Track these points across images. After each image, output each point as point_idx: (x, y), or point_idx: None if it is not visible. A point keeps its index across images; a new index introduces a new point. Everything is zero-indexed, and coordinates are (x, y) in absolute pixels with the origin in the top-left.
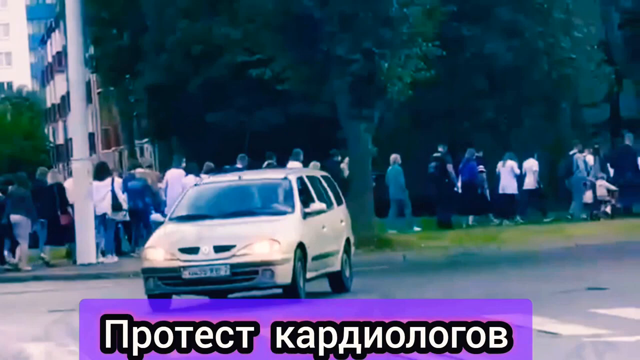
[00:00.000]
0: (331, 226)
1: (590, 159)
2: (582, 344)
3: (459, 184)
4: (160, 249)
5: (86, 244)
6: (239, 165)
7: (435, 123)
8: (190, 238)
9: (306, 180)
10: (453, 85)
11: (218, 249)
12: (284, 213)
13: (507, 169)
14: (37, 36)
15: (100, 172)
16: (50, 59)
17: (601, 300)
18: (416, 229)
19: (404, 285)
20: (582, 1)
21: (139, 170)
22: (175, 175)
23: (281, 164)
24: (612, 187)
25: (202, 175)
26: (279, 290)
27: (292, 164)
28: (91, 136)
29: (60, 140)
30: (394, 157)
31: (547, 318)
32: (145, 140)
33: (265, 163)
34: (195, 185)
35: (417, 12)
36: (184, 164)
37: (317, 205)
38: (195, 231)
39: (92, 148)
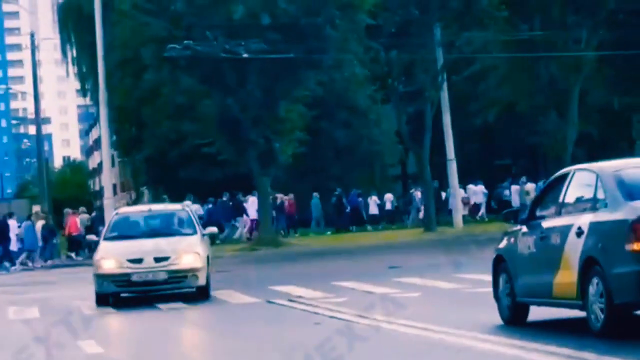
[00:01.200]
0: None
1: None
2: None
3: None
4: (111, 259)
5: None
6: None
7: (309, 176)
8: (135, 251)
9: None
10: (315, 156)
11: (158, 259)
12: (191, 234)
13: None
14: (82, 130)
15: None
16: (91, 143)
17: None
18: (328, 233)
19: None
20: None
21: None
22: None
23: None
24: None
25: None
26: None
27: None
28: (114, 186)
29: (97, 188)
30: (315, 194)
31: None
32: (145, 187)
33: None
34: (116, 214)
35: (295, 115)
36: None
37: (210, 229)
38: (135, 246)
39: (115, 192)
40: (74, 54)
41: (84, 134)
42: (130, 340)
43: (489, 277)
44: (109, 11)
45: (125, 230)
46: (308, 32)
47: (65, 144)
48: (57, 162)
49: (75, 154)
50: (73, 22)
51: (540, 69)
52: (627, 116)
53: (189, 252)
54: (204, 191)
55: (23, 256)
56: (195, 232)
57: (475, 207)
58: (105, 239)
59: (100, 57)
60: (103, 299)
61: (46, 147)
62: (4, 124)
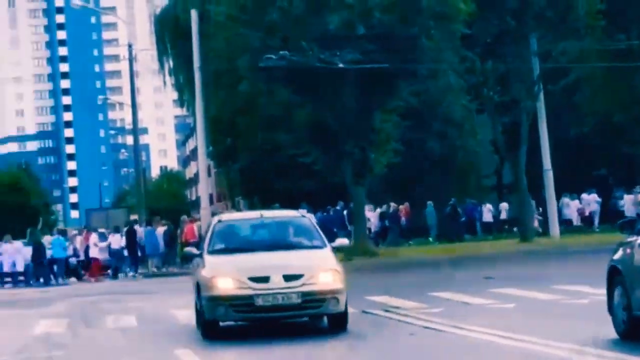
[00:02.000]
0: None
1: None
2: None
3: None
4: (228, 277)
5: None
6: None
7: (403, 187)
8: (256, 267)
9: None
10: (410, 166)
11: (288, 278)
12: (320, 246)
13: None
14: (179, 140)
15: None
16: (187, 153)
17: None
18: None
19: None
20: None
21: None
22: None
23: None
24: None
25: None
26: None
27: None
28: (210, 196)
29: (194, 198)
30: (430, 202)
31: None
32: (240, 197)
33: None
34: (219, 222)
35: (390, 125)
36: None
37: (341, 240)
38: (255, 261)
39: (211, 202)
40: (171, 65)
41: (181, 144)
42: (229, 350)
43: (587, 289)
44: (205, 22)
45: (234, 242)
46: (403, 42)
47: (163, 154)
48: (155, 172)
49: (172, 164)
50: (170, 34)
51: (637, 79)
52: None
53: (326, 270)
54: (298, 201)
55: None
56: (324, 244)
57: (590, 217)
58: (211, 252)
59: (197, 68)
60: (212, 329)
61: (143, 157)
62: (102, 134)
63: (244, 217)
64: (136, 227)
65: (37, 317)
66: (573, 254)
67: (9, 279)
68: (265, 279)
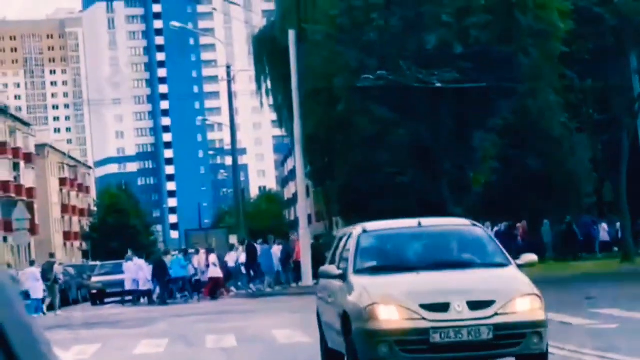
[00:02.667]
0: None
1: None
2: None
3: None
4: (392, 305)
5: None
6: None
7: (502, 205)
8: (431, 292)
9: None
10: (508, 184)
11: (474, 305)
12: (503, 265)
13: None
14: (278, 161)
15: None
16: (286, 173)
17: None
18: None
19: None
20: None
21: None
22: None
23: None
24: None
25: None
26: None
27: None
28: (309, 216)
29: (292, 218)
30: (546, 221)
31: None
32: (339, 216)
33: None
34: (364, 232)
35: (488, 144)
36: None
37: (528, 256)
38: (426, 284)
39: (309, 222)
40: (269, 86)
41: (280, 164)
42: None
43: None
44: (302, 42)
45: (388, 258)
46: (500, 60)
47: (261, 175)
48: (253, 193)
49: (271, 184)
50: (267, 54)
51: None
52: None
53: (523, 294)
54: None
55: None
56: (507, 262)
57: None
58: (358, 271)
59: (295, 89)
60: None
61: (242, 178)
62: (201, 155)
63: (397, 226)
64: (257, 245)
65: (139, 337)
66: None
67: (129, 297)
68: (443, 307)
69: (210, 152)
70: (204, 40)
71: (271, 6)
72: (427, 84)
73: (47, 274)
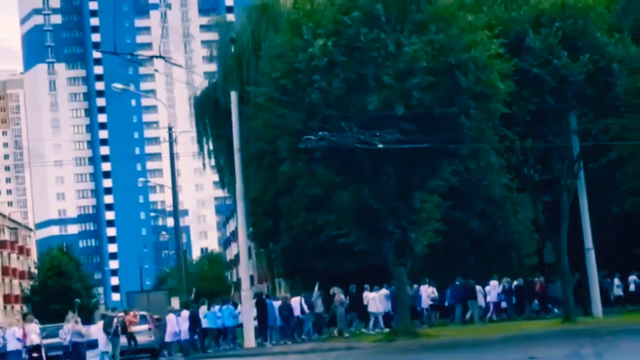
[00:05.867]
0: None
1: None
2: None
3: None
4: None
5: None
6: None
7: (445, 266)
8: None
9: None
10: (451, 246)
11: None
12: None
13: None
14: (219, 222)
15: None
16: (228, 234)
17: None
18: None
19: None
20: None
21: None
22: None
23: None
24: None
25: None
26: None
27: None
28: (251, 277)
29: (235, 279)
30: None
31: None
32: (281, 278)
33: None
34: None
35: (431, 205)
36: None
37: None
38: None
39: (252, 283)
40: (211, 147)
41: (222, 225)
42: None
43: None
44: (244, 104)
45: None
46: (443, 121)
47: (203, 236)
48: (195, 254)
49: (213, 245)
50: (209, 115)
51: None
52: None
53: None
54: (339, 282)
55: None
56: None
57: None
58: None
59: (237, 150)
60: None
61: (184, 239)
62: (142, 216)
63: None
64: (269, 300)
65: None
66: (616, 333)
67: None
68: None
69: (152, 214)
70: (145, 101)
71: (213, 67)
72: (370, 145)
73: None
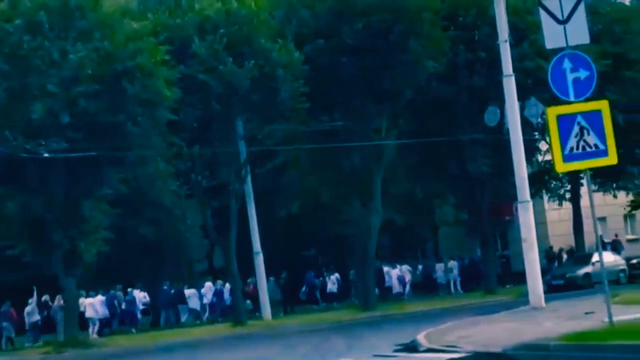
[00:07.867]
0: None
1: None
2: None
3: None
4: None
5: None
6: None
7: (116, 274)
8: None
9: None
10: (123, 253)
11: None
12: None
13: None
14: None
15: None
16: None
17: None
18: None
19: None
20: (190, 204)
21: None
22: None
23: None
24: None
25: None
26: None
27: None
28: None
29: None
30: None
31: None
32: None
33: None
34: None
35: (99, 214)
36: None
37: None
38: None
39: None
40: None
41: None
42: None
43: None
44: None
45: None
46: (110, 129)
47: None
48: None
49: None
50: None
51: (342, 159)
52: (429, 203)
53: None
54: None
55: None
56: None
57: None
58: None
59: None
60: None
61: None
62: None
63: None
64: None
65: None
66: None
67: None
68: None
69: None
70: None
71: None
72: (35, 154)
73: None
